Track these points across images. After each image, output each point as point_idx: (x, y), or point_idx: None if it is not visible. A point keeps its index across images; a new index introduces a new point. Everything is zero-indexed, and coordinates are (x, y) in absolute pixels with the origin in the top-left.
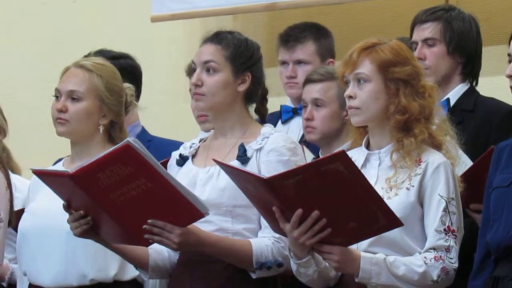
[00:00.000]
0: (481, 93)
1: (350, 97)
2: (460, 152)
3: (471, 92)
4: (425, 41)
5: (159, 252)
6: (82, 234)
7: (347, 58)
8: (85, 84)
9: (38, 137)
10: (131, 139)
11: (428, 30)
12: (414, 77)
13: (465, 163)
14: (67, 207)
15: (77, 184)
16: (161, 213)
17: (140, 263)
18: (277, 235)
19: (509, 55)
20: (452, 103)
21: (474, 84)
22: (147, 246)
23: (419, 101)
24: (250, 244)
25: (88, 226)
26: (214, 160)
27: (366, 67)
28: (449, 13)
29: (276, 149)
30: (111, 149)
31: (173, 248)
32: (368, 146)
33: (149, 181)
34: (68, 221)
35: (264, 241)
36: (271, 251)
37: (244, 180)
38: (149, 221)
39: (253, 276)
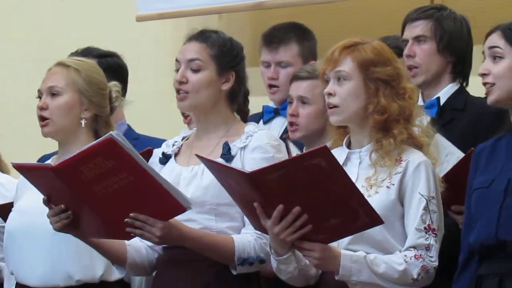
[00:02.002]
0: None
1: (330, 94)
2: (439, 137)
3: (461, 92)
4: (415, 38)
5: (137, 250)
6: (62, 229)
7: (329, 55)
8: (63, 79)
9: (25, 136)
10: (114, 132)
11: (419, 27)
12: (395, 78)
13: (444, 145)
14: (47, 202)
15: (60, 178)
16: (143, 207)
17: (118, 259)
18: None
19: (483, 53)
20: (442, 102)
21: (464, 84)
22: (128, 239)
23: (398, 102)
24: (232, 240)
25: (69, 220)
26: (196, 155)
27: (347, 65)
28: (441, 12)
29: (260, 147)
30: (94, 142)
31: (155, 242)
32: (349, 146)
33: (132, 174)
34: (48, 216)
35: (247, 237)
36: (254, 247)
37: (226, 175)
38: (131, 214)
39: (234, 272)
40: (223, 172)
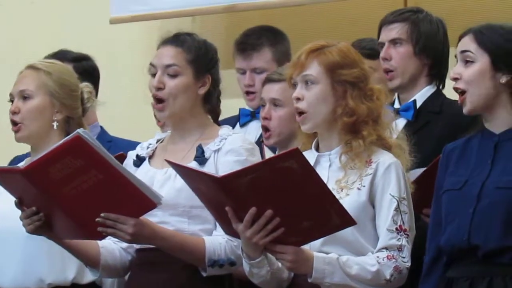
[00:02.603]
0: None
1: (298, 99)
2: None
3: (438, 95)
4: (392, 41)
5: (110, 252)
6: (35, 231)
7: (295, 60)
8: (34, 82)
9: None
10: (81, 130)
11: (395, 30)
12: (362, 79)
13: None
14: (19, 204)
15: (29, 180)
16: (113, 205)
17: (91, 261)
18: None
19: (455, 56)
20: (418, 104)
21: (440, 86)
22: (100, 239)
23: (367, 103)
24: (203, 241)
25: (41, 222)
26: (166, 160)
27: (314, 69)
28: (417, 15)
29: (234, 150)
30: (61, 141)
31: (127, 240)
32: (317, 149)
33: (100, 172)
34: (21, 218)
35: (218, 239)
36: (224, 249)
37: (196, 180)
38: (102, 214)
39: (204, 274)
40: (194, 177)
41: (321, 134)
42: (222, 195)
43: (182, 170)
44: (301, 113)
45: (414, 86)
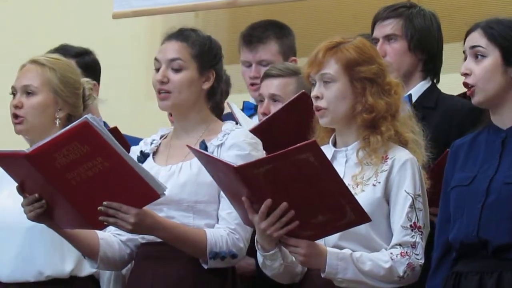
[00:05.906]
0: (442, 90)
1: (317, 97)
2: None
3: (433, 90)
4: (386, 37)
5: (109, 244)
6: (36, 218)
7: (312, 58)
8: (38, 78)
9: None
10: (89, 116)
11: (389, 26)
12: (380, 75)
13: None
14: (21, 190)
15: (33, 165)
16: (116, 194)
17: (90, 252)
18: (233, 227)
19: (464, 52)
20: (413, 99)
21: (435, 81)
22: (101, 229)
23: (385, 99)
24: (205, 233)
25: (42, 210)
26: (187, 146)
27: (331, 67)
28: (410, 10)
29: (236, 144)
30: (68, 126)
31: (128, 230)
32: (334, 144)
33: (106, 160)
34: (22, 204)
35: (219, 231)
36: (226, 241)
37: (215, 167)
38: (104, 203)
39: (205, 266)
40: (212, 164)
41: (339, 129)
42: (239, 185)
43: (202, 156)
44: (320, 109)
45: (409, 81)
